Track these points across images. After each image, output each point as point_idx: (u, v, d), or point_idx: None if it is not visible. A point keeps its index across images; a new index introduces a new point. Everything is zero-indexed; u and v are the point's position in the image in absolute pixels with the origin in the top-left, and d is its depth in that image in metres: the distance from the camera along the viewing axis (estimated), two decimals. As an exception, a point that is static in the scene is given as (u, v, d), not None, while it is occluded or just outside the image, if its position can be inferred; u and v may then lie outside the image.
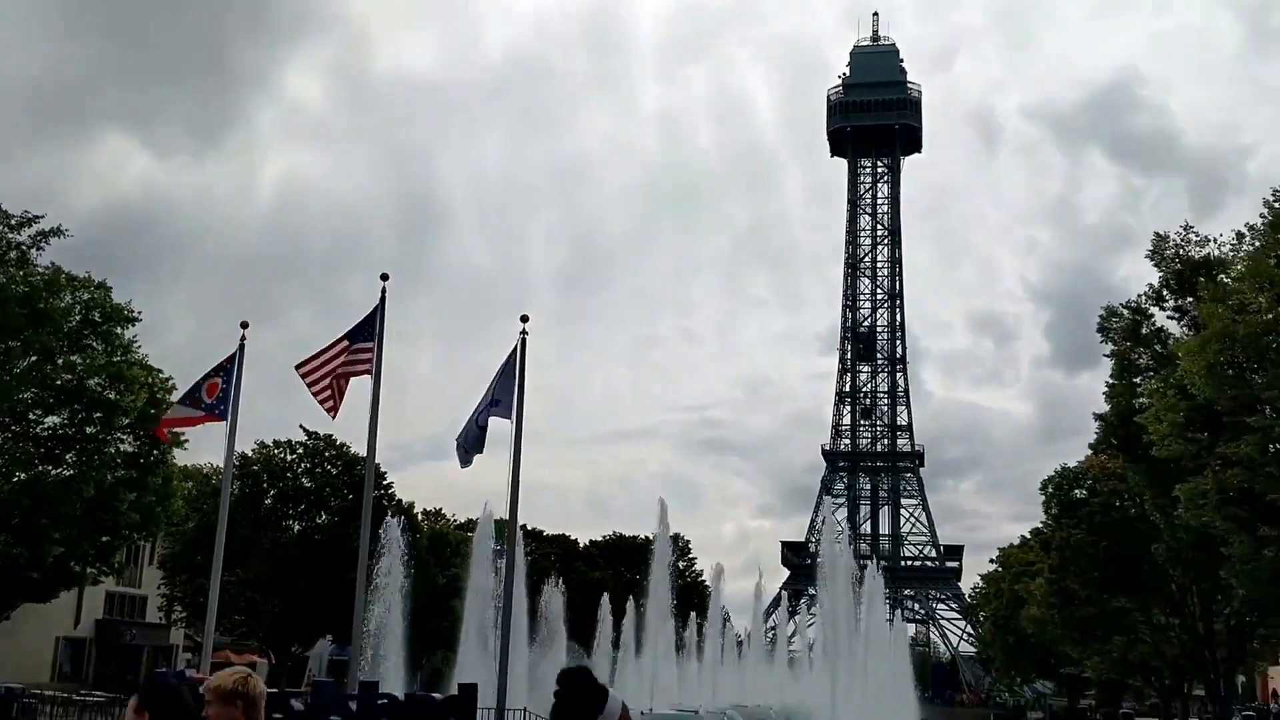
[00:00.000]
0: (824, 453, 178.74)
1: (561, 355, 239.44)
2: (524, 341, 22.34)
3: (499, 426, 21.84)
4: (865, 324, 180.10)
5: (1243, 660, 51.20)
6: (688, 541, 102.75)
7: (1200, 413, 26.50)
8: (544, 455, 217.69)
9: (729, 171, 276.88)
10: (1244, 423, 23.62)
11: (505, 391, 21.82)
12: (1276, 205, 25.09)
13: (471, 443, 21.61)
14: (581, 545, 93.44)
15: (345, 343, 21.14)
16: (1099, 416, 38.90)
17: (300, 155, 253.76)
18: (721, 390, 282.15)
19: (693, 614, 59.18)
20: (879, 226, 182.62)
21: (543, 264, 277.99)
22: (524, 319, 22.68)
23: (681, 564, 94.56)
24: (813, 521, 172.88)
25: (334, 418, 21.76)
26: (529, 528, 79.82)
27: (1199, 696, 53.20)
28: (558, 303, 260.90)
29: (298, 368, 21.14)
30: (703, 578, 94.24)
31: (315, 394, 21.04)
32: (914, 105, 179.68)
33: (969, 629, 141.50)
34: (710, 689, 48.44)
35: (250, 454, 54.86)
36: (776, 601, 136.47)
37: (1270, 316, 23.73)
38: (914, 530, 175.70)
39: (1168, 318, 35.44)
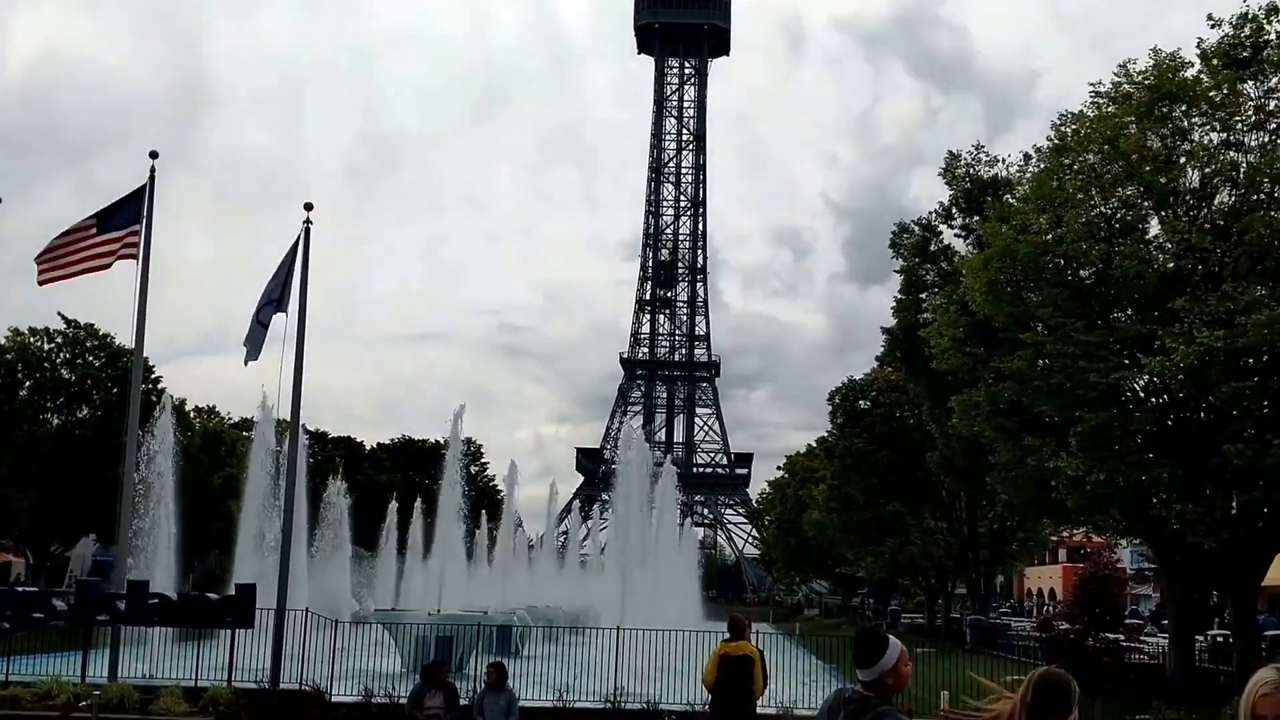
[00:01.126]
0: (622, 361, 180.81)
1: (350, 251, 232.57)
2: (308, 233, 21.45)
3: (282, 324, 20.99)
4: (667, 231, 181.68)
5: (1002, 561, 55.10)
6: (480, 446, 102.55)
7: (979, 328, 27.76)
8: (330, 355, 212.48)
9: (532, 64, 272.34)
10: (1018, 339, 24.86)
11: (287, 286, 20.96)
12: (1063, 129, 26.24)
13: (254, 339, 20.77)
14: (369, 448, 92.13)
15: (93, 226, 19.76)
16: (886, 330, 40.45)
17: (55, 17, 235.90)
18: (520, 294, 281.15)
19: (484, 517, 59.36)
20: (684, 131, 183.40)
21: (329, 153, 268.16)
22: (308, 208, 21.76)
23: (474, 469, 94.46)
24: (608, 429, 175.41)
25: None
26: (313, 429, 78.11)
27: (961, 594, 56.92)
28: (345, 195, 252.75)
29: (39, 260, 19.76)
30: (495, 483, 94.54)
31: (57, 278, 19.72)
32: (723, 6, 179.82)
33: (755, 533, 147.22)
34: (500, 591, 48.88)
35: (3, 342, 51.58)
36: (569, 507, 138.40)
37: (1049, 237, 24.93)
38: (707, 439, 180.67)
39: (955, 235, 36.88)
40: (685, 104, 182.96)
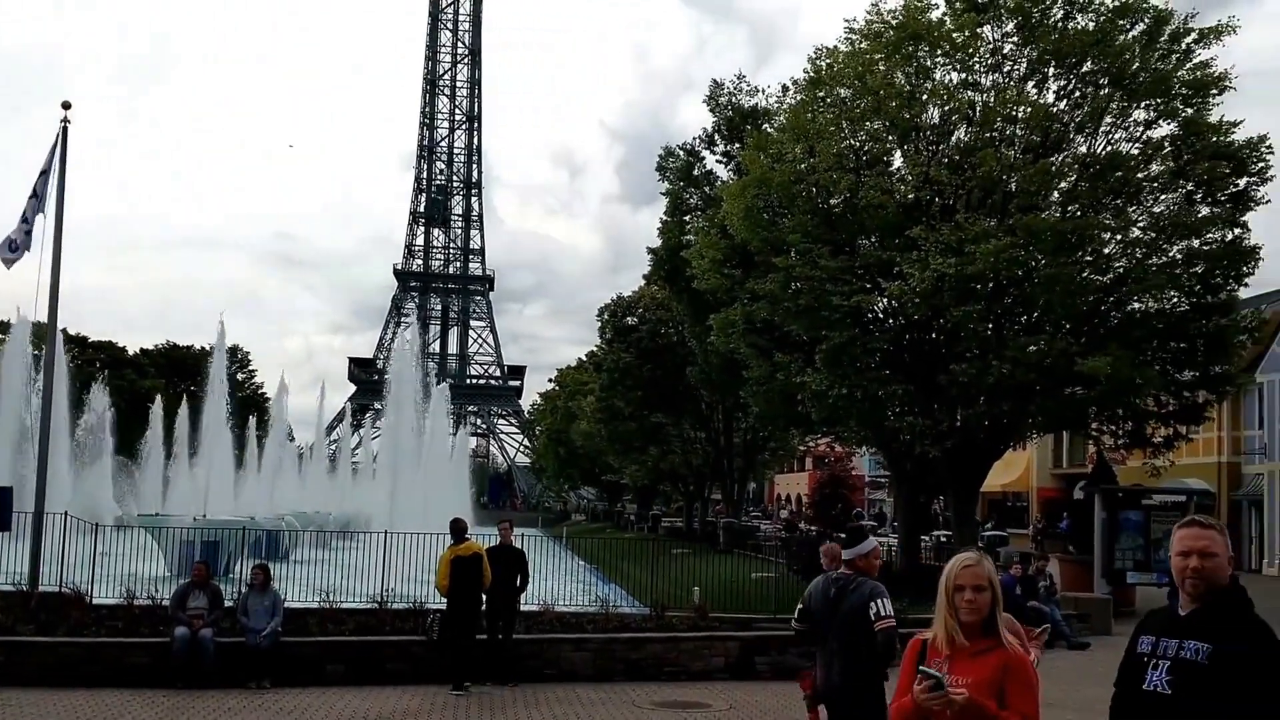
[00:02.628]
0: (396, 272, 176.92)
1: (121, 151, 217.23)
2: (65, 131, 19.78)
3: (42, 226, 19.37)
4: (442, 144, 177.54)
5: (755, 469, 57.29)
6: (248, 353, 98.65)
7: (736, 251, 28.42)
8: (96, 258, 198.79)
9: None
10: (772, 262, 25.58)
11: (45, 185, 19.32)
12: (818, 63, 26.85)
13: (16, 241, 19.10)
14: (132, 353, 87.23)
15: None
16: (652, 251, 40.93)
17: None
18: (295, 203, 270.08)
19: (252, 424, 57.35)
20: (460, 45, 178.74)
21: (90, 48, 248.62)
22: (66, 106, 20.04)
23: (241, 376, 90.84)
24: (382, 339, 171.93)
25: None
26: (72, 333, 73.22)
27: (717, 500, 59.00)
28: (109, 94, 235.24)
29: None
30: (264, 391, 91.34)
31: None
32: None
33: (526, 442, 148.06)
34: (269, 498, 47.55)
35: None
36: (342, 415, 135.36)
37: (803, 166, 25.60)
38: (481, 351, 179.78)
39: (718, 161, 37.50)
40: (461, 18, 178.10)
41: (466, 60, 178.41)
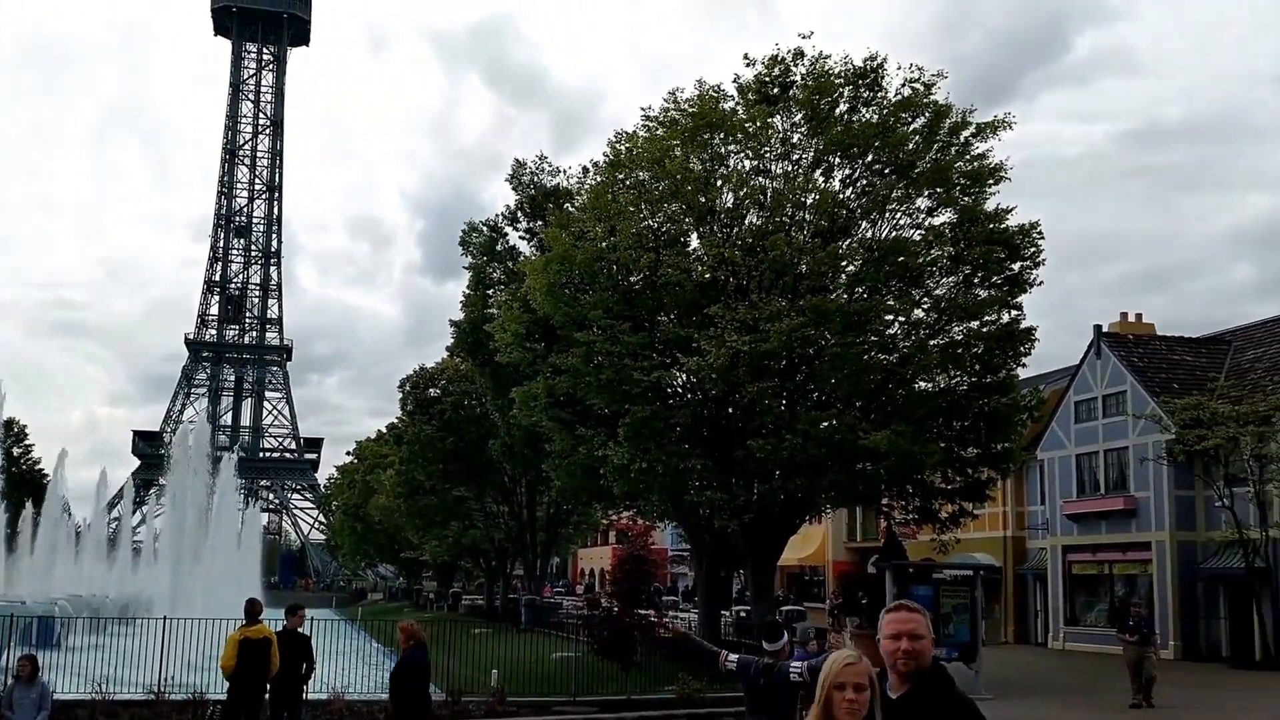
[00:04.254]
0: (187, 342, 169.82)
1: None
2: None
3: None
4: (241, 214, 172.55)
5: (557, 543, 56.89)
6: (24, 427, 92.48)
7: (539, 325, 28.44)
8: None
9: (104, 33, 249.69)
10: (574, 337, 25.71)
11: None
12: (618, 147, 27.39)
13: None
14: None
15: None
16: (454, 323, 40.57)
17: None
18: (79, 269, 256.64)
19: (28, 504, 53.60)
20: (261, 115, 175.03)
21: None
22: None
23: (17, 451, 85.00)
24: (169, 411, 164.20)
25: None
26: None
27: (519, 575, 58.26)
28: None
29: None
30: (42, 467, 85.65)
31: None
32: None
33: (322, 518, 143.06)
34: (44, 580, 44.40)
35: None
36: (123, 492, 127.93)
37: (604, 245, 25.93)
38: (276, 422, 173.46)
39: (520, 237, 37.68)
40: (263, 89, 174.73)
41: (268, 131, 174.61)
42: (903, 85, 25.80)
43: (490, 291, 37.55)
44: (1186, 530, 34.03)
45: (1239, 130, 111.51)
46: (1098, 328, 38.68)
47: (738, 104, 26.19)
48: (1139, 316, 41.26)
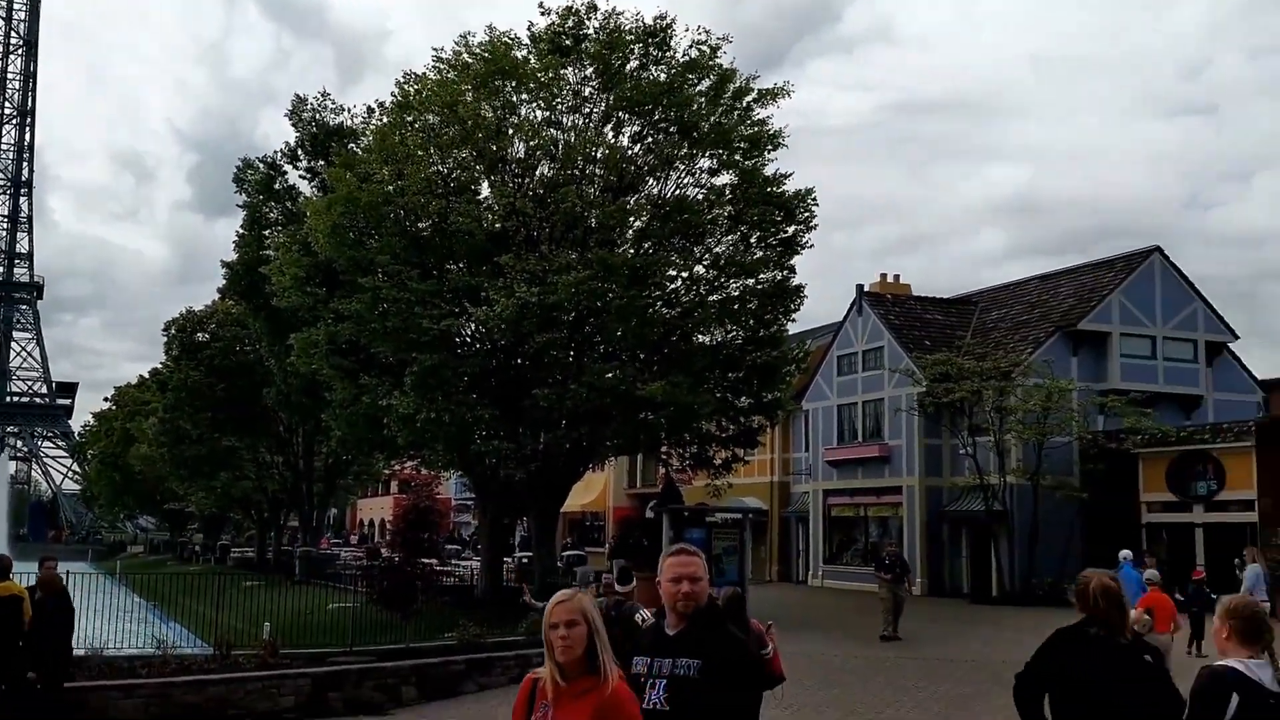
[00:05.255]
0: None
1: None
2: None
3: None
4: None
5: (335, 494, 55.51)
6: None
7: (321, 269, 27.45)
8: None
9: None
10: (358, 282, 24.93)
11: None
12: (406, 88, 26.60)
13: None
14: None
15: None
16: (226, 264, 38.69)
17: None
18: None
19: None
20: (14, 34, 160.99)
21: None
22: None
23: None
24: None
25: None
26: None
27: (294, 526, 56.60)
28: None
29: None
30: None
31: None
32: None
33: (76, 467, 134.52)
34: None
35: None
36: None
37: (391, 188, 25.19)
38: (25, 365, 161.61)
39: (300, 177, 36.14)
40: (16, 6, 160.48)
41: (21, 51, 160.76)
42: (690, 47, 26.12)
43: (267, 232, 36.00)
44: (934, 476, 36.33)
45: (990, 106, 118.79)
46: (859, 287, 40.55)
47: (530, 53, 25.87)
48: (897, 277, 43.46)
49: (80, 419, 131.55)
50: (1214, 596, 20.16)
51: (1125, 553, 19.55)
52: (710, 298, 27.00)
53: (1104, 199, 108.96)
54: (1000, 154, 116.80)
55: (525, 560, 32.76)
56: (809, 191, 27.04)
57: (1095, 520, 31.42)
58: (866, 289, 40.90)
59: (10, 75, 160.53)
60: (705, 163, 26.69)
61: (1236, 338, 36.73)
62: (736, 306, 27.25)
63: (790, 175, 27.01)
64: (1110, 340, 34.79)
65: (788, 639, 11.21)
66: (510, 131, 25.53)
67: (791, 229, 27.17)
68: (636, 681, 4.11)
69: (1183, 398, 35.29)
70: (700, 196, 26.63)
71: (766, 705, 4.83)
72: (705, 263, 27.10)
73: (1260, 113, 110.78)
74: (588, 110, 25.93)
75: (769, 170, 26.78)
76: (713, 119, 26.06)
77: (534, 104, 25.86)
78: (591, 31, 25.82)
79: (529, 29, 26.36)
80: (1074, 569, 29.83)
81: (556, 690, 3.81)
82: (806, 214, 27.14)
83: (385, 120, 27.65)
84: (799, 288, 27.59)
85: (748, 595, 24.51)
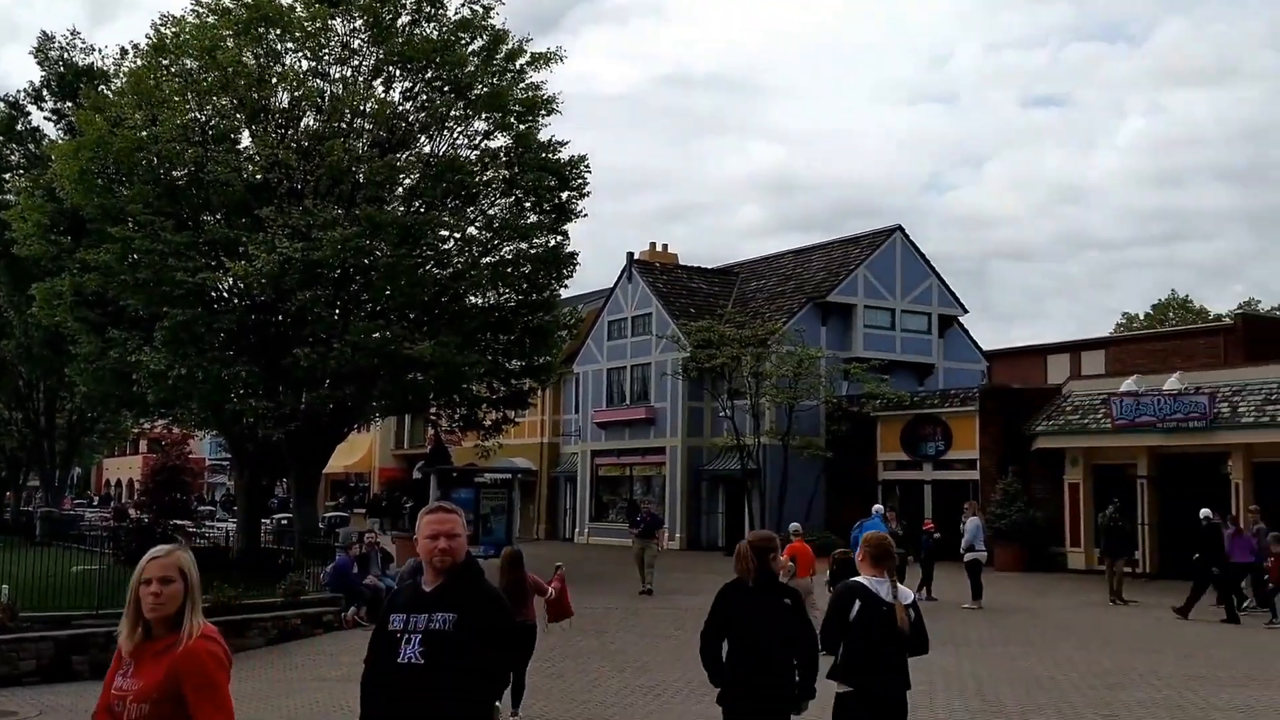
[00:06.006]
0: None
1: None
2: None
3: None
4: None
5: (78, 451, 52.11)
6: None
7: (66, 216, 25.74)
8: None
9: None
10: (107, 231, 23.50)
11: None
12: (163, 30, 25.13)
13: None
14: None
15: None
16: (-37, 208, 35.60)
17: None
18: None
19: None
20: None
21: None
22: None
23: None
24: None
25: None
26: None
27: (34, 486, 52.92)
28: None
29: None
30: None
31: None
32: None
33: None
34: None
35: None
36: None
37: (144, 134, 23.80)
38: None
39: (46, 119, 33.75)
40: None
41: None
42: (463, 5, 25.77)
43: (8, 176, 33.38)
44: (695, 437, 37.50)
45: (754, 84, 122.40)
46: (630, 255, 41.21)
47: (296, 1, 24.86)
48: (665, 246, 44.41)
49: None
50: (932, 539, 21.87)
51: (878, 507, 20.90)
52: (483, 260, 26.87)
53: (854, 179, 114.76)
54: (762, 131, 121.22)
55: (285, 522, 31.82)
56: (582, 158, 27.26)
57: (837, 477, 33.26)
58: (636, 257, 41.58)
59: None
60: (480, 124, 26.50)
61: (966, 312, 39.43)
62: (509, 270, 27.22)
63: (566, 142, 27.17)
64: (855, 312, 36.73)
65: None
66: (274, 80, 24.58)
67: (565, 195, 27.33)
68: (393, 636, 4.09)
69: (917, 366, 37.69)
70: (474, 158, 26.41)
71: (554, 643, 4.93)
72: (478, 225, 26.92)
73: (994, 103, 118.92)
74: (357, 63, 25.26)
75: (543, 135, 26.82)
76: (487, 80, 25.83)
77: (300, 53, 24.99)
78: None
79: (296, -25, 25.32)
80: (818, 522, 31.66)
81: (139, 650, 3.59)
82: (580, 180, 27.34)
83: (140, 63, 26.03)
84: (572, 254, 27.82)
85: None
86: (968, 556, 20.52)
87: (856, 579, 6.02)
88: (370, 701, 4.15)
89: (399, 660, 4.02)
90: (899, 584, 5.96)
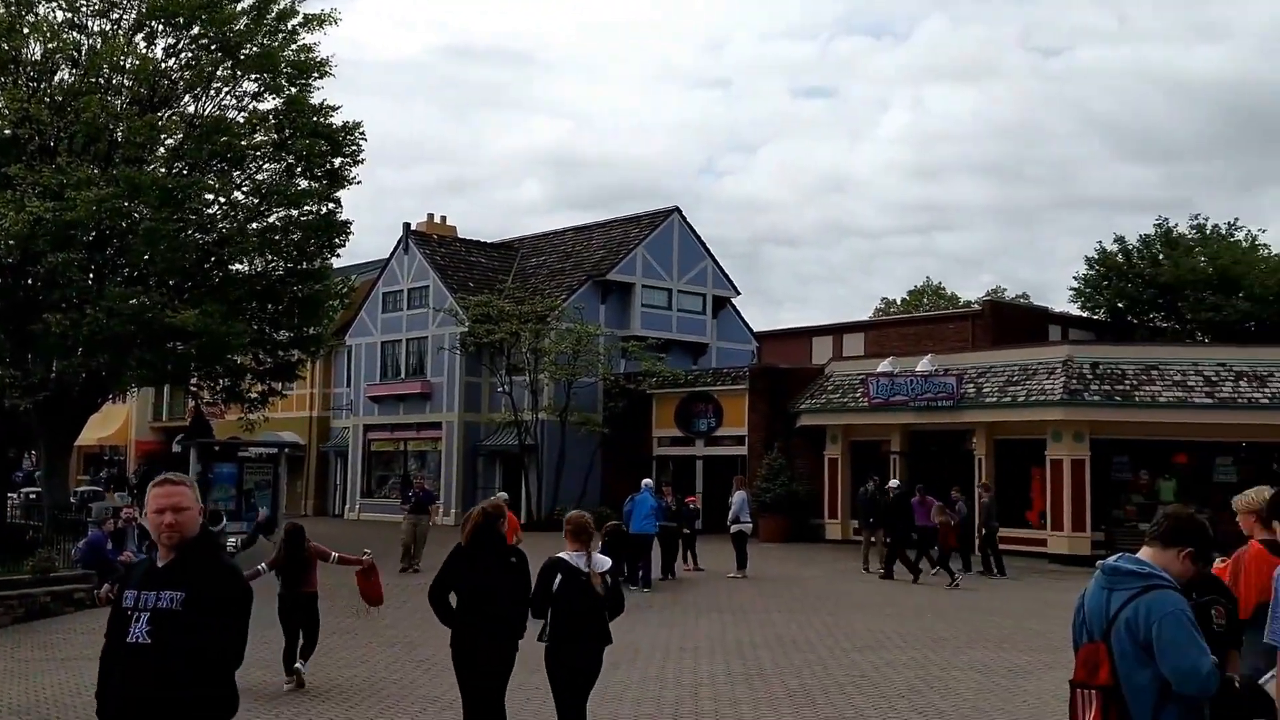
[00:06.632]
0: None
1: None
2: None
3: None
4: None
5: None
6: None
7: None
8: None
9: None
10: None
11: None
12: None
13: None
14: None
15: None
16: None
17: None
18: None
19: None
20: None
21: None
22: None
23: None
24: None
25: None
26: None
27: None
28: None
29: None
30: None
31: None
32: None
33: None
34: None
35: None
36: None
37: None
38: None
39: None
40: None
41: None
42: (233, -40, 24.69)
43: None
44: (473, 412, 37.45)
45: (536, 60, 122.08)
46: (406, 225, 40.60)
47: (51, -54, 23.28)
48: (444, 219, 43.97)
49: None
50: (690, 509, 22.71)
51: (647, 481, 21.55)
52: (250, 226, 25.92)
53: (634, 159, 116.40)
54: (544, 107, 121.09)
55: (33, 496, 29.88)
56: (357, 125, 26.68)
57: (613, 453, 33.99)
58: (414, 227, 41.00)
59: None
60: (249, 85, 25.51)
61: (738, 293, 40.89)
62: (278, 237, 26.38)
63: (339, 107, 26.51)
64: (634, 290, 37.51)
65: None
66: (25, 31, 22.93)
67: (338, 161, 26.70)
68: (125, 614, 3.97)
69: (692, 345, 38.87)
70: (242, 120, 25.42)
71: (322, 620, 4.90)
72: (246, 189, 25.95)
73: (767, 92, 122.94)
74: (116, 16, 23.89)
75: (316, 99, 26.08)
76: (257, 40, 24.89)
77: (54, 3, 23.40)
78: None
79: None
80: (594, 496, 32.33)
81: None
82: (354, 147, 26.76)
83: None
84: (345, 222, 27.21)
85: (280, 528, 24.16)
86: (734, 528, 21.49)
87: (559, 554, 7.03)
88: (104, 680, 4.05)
89: (128, 639, 3.92)
90: (594, 554, 7.06)
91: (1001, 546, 22.64)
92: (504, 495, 18.69)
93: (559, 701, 7.02)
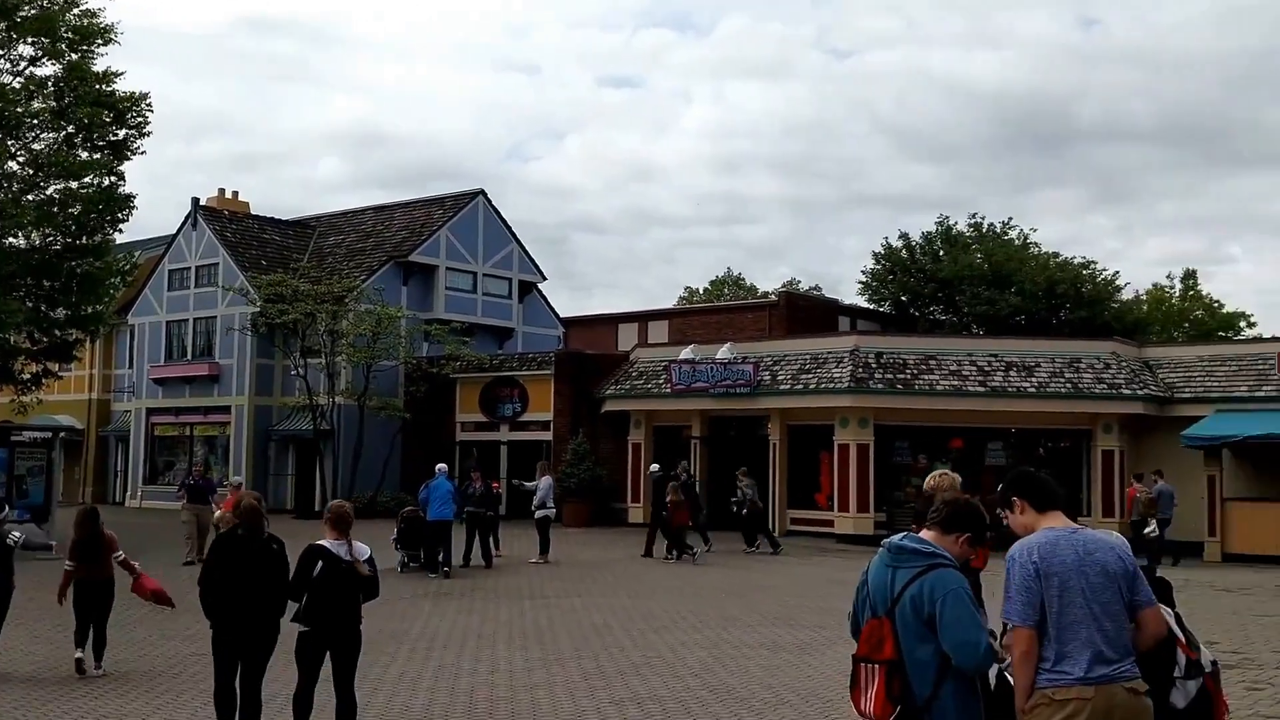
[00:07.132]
0: None
1: None
2: None
3: None
4: None
5: None
6: None
7: None
8: None
9: None
10: None
11: None
12: None
13: None
14: None
15: None
16: None
17: None
18: None
19: None
20: None
21: None
22: None
23: None
24: None
25: None
26: None
27: None
28: None
29: None
30: None
31: None
32: None
33: None
34: None
35: None
36: None
37: None
38: None
39: None
40: None
41: None
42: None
43: None
44: (265, 395, 36.36)
45: (333, 35, 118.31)
46: (195, 200, 39.00)
47: None
48: (236, 194, 42.33)
49: None
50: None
51: (441, 466, 21.41)
52: (25, 198, 24.42)
53: (438, 139, 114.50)
54: (343, 83, 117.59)
55: None
56: (144, 95, 25.53)
57: (414, 438, 33.64)
58: (204, 203, 39.38)
59: None
60: (25, 49, 24.05)
61: (545, 279, 41.09)
62: (55, 210, 24.95)
63: (122, 74, 25.28)
64: (437, 273, 37.17)
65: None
66: None
67: (123, 133, 25.48)
68: None
69: (497, 329, 38.85)
70: (17, 86, 23.90)
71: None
72: (20, 159, 24.42)
73: (573, 79, 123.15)
74: None
75: (99, 67, 24.76)
76: (35, 2, 23.42)
77: None
78: None
79: None
80: (393, 483, 31.96)
81: None
82: (140, 119, 25.57)
83: None
84: (129, 196, 26.00)
85: (55, 518, 22.88)
86: (538, 514, 21.71)
87: (319, 542, 7.55)
88: None
89: None
90: (355, 543, 7.58)
91: (793, 527, 23.69)
92: (239, 479, 20.77)
93: (302, 678, 7.51)
